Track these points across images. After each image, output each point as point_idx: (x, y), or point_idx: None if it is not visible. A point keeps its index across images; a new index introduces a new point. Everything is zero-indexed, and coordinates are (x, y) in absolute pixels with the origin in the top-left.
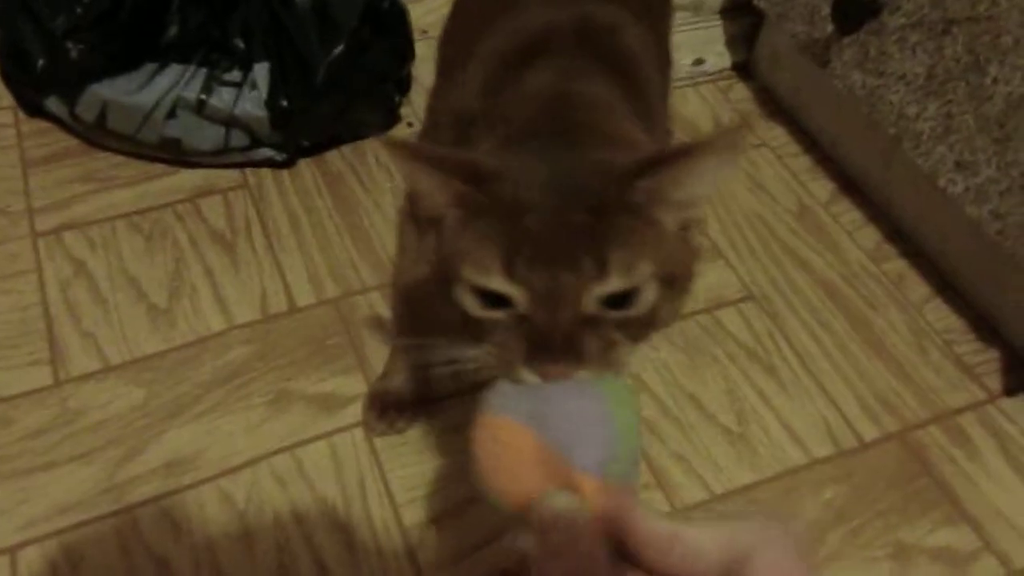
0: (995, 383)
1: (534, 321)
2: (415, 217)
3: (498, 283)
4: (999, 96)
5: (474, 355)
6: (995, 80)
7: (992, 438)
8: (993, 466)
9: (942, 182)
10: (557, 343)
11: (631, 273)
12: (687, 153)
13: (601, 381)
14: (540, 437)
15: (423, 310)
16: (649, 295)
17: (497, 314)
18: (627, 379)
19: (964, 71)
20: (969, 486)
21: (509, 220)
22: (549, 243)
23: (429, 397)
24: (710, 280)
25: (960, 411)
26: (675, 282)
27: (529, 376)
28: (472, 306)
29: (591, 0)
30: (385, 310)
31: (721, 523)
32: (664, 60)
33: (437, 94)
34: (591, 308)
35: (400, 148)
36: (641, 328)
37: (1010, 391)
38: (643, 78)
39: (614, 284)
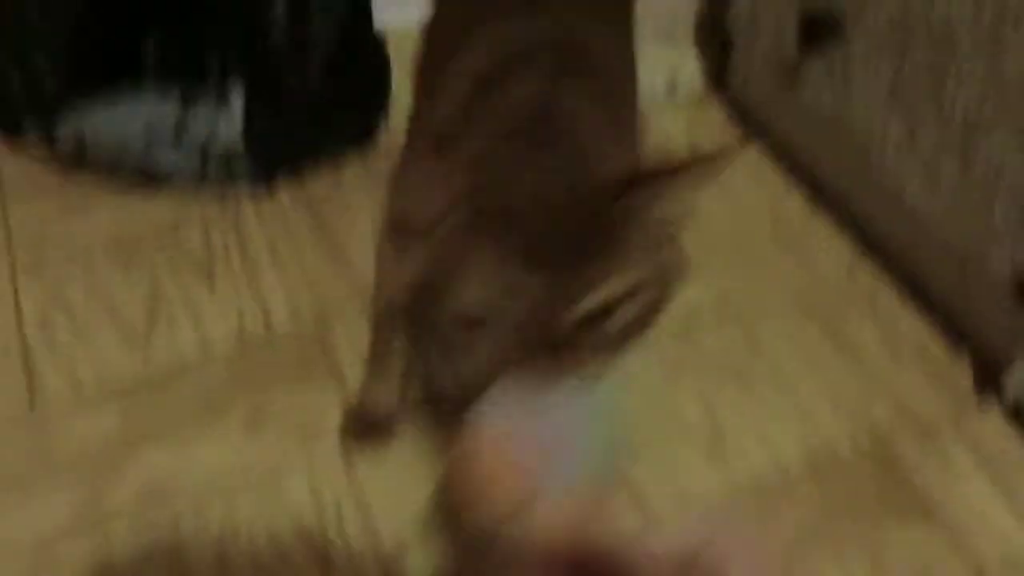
0: (966, 389)
1: (531, 326)
2: (397, 235)
3: (496, 290)
4: (958, 113)
5: (470, 363)
6: (953, 100)
7: (964, 442)
8: (965, 468)
9: (908, 198)
10: (554, 347)
11: (620, 281)
12: (667, 175)
13: (595, 386)
14: (520, 450)
15: (404, 326)
16: (636, 300)
17: (494, 319)
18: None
19: (925, 88)
20: (942, 489)
21: (503, 230)
22: (544, 254)
23: (406, 413)
24: (684, 295)
25: (933, 417)
26: (657, 288)
27: (527, 379)
28: (469, 312)
29: (564, 15)
30: (364, 332)
31: (682, 532)
32: (632, 70)
33: (415, 114)
34: (584, 314)
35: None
36: (628, 331)
37: (980, 394)
38: (616, 90)
39: (606, 292)
